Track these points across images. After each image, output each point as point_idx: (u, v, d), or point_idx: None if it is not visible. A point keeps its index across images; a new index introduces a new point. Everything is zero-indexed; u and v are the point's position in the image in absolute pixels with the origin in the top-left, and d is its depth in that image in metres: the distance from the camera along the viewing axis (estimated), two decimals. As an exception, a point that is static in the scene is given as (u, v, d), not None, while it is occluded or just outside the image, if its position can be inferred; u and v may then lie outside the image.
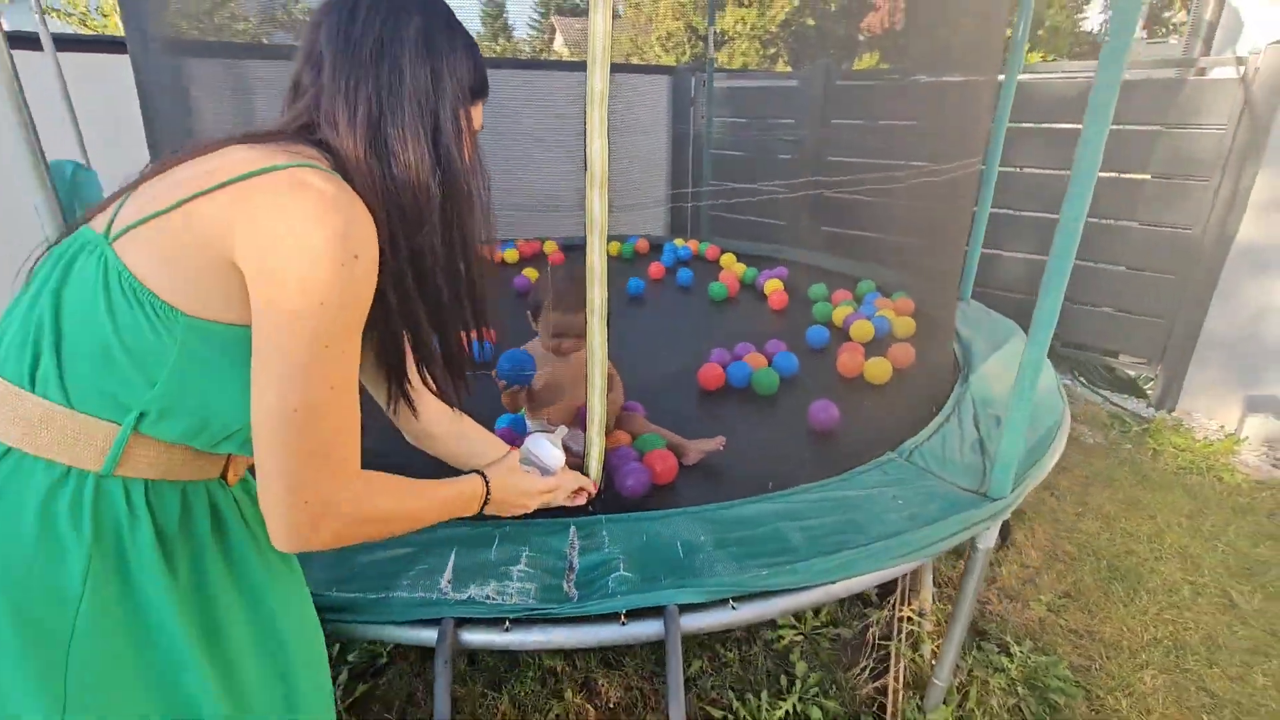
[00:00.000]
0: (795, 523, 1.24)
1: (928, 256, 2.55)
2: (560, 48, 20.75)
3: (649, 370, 2.09)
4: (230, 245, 0.61)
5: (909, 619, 1.64)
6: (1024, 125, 3.34)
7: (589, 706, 1.57)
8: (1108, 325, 3.37)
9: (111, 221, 0.64)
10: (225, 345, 0.64)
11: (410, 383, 0.84)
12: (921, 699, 1.54)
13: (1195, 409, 3.13)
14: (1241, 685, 1.67)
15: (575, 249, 3.45)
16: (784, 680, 1.62)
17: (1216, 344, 3.02)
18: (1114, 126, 1.03)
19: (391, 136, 0.70)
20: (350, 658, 1.66)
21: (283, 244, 0.60)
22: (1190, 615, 1.89)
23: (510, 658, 1.68)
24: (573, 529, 1.21)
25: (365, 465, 0.72)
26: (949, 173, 2.04)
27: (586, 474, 1.23)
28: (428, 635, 1.02)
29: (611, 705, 1.58)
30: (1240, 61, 2.80)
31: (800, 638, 1.76)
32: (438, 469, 0.95)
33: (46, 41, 2.21)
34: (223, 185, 0.61)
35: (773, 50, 12.73)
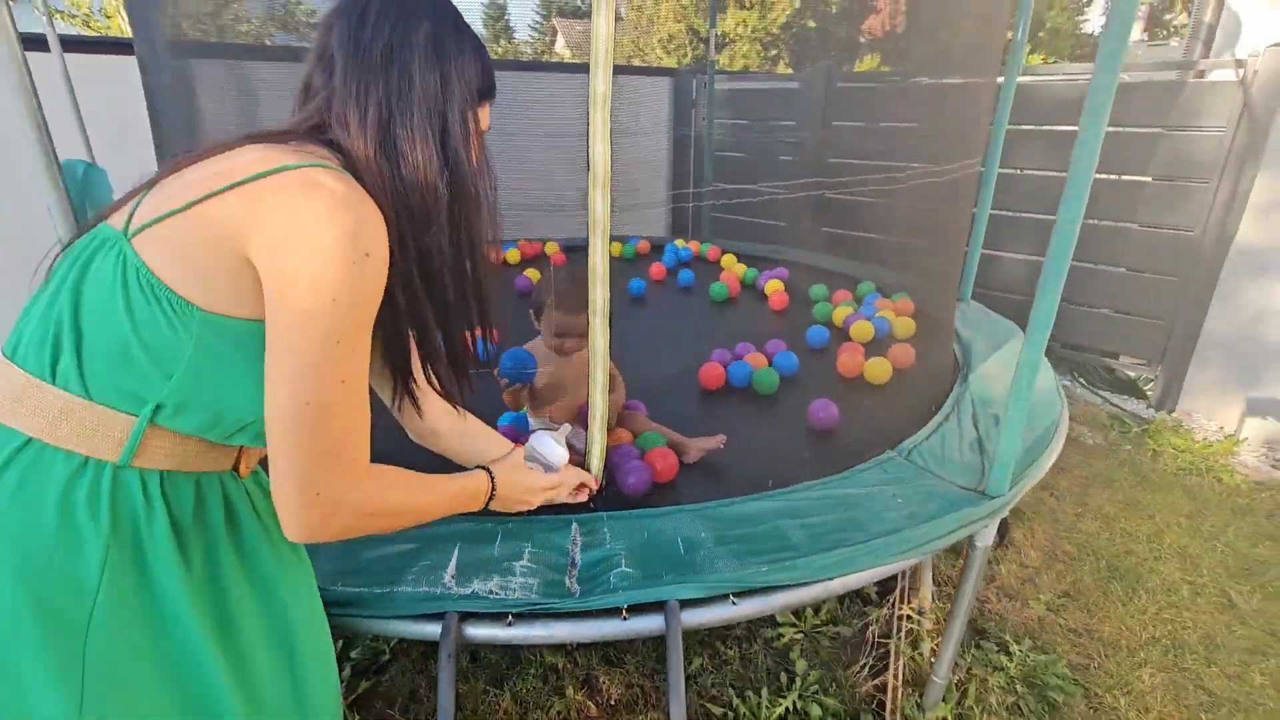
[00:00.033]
0: (795, 520, 1.25)
1: (928, 257, 2.56)
2: (562, 49, 20.75)
3: (650, 369, 2.10)
4: (244, 243, 0.62)
5: (908, 617, 1.65)
6: (1024, 127, 3.35)
7: (590, 703, 1.58)
8: (1108, 326, 3.38)
9: (130, 219, 0.65)
10: (239, 340, 0.65)
11: (415, 381, 0.85)
12: (921, 696, 1.55)
13: (1195, 410, 3.13)
14: (1239, 684, 1.68)
15: (577, 250, 3.48)
16: (784, 678, 1.63)
17: (1216, 345, 3.03)
18: (1114, 129, 1.04)
19: (401, 138, 0.71)
20: (353, 654, 1.67)
21: (295, 243, 0.61)
22: (1189, 615, 1.90)
23: (512, 655, 1.69)
24: (575, 525, 1.22)
25: (371, 462, 0.73)
26: (949, 174, 2.05)
27: (588, 471, 1.24)
28: (432, 629, 1.03)
29: (613, 702, 1.59)
30: (1239, 64, 2.80)
31: (800, 636, 1.77)
32: (441, 467, 0.96)
33: (53, 42, 2.22)
34: (234, 186, 0.62)
35: (774, 52, 12.75)
